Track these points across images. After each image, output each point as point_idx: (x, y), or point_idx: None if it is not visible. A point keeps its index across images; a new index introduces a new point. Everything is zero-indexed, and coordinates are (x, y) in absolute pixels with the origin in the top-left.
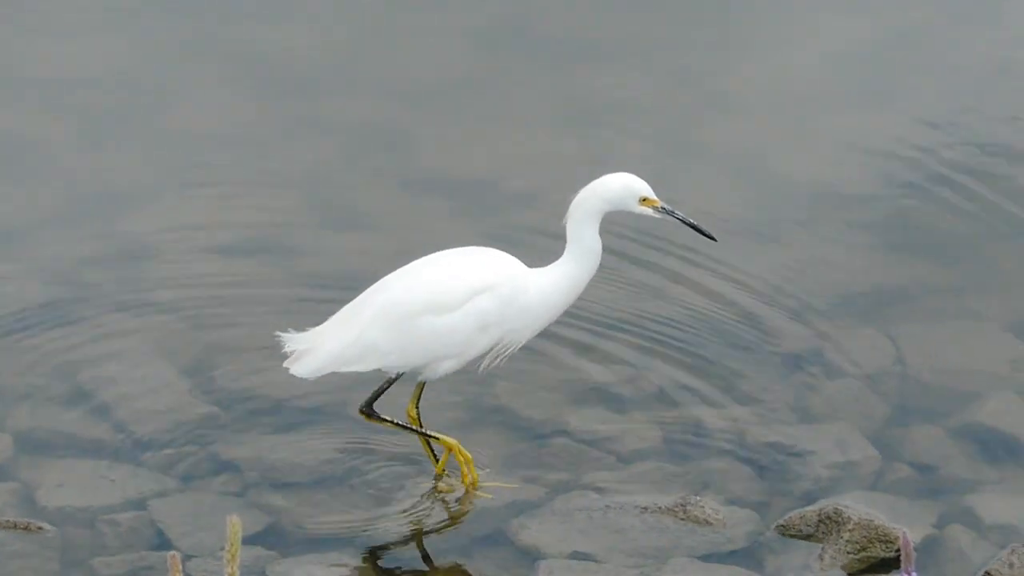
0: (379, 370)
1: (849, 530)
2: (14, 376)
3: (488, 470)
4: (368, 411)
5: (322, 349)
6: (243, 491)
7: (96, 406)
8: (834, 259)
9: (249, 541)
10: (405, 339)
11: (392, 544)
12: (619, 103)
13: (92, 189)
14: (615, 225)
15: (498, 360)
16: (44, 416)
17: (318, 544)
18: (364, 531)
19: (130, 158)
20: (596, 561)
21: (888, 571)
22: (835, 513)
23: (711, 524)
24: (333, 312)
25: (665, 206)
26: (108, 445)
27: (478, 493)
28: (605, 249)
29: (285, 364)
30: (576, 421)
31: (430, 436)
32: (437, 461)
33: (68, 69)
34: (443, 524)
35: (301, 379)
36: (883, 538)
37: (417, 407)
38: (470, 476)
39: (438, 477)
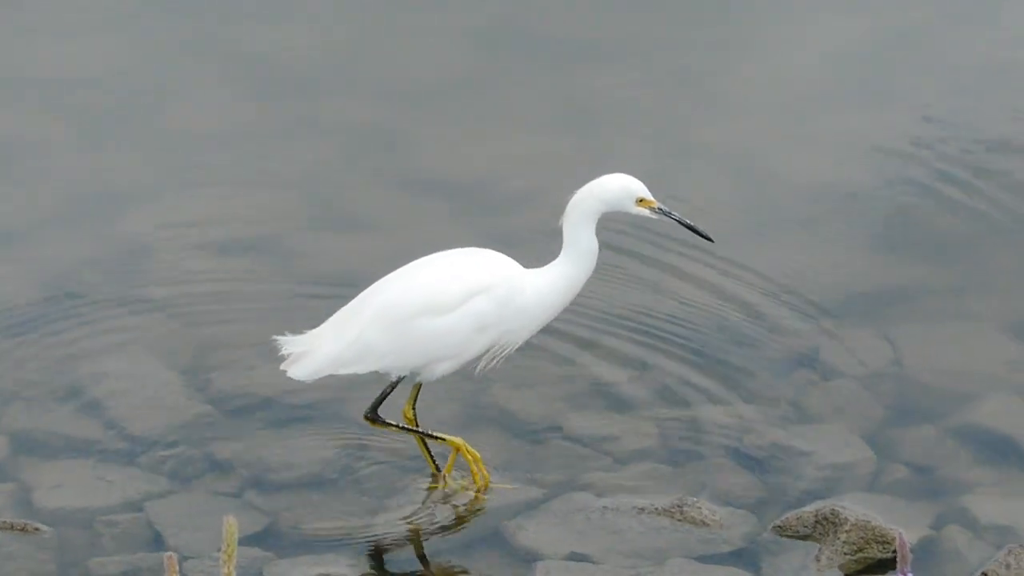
0: (376, 372)
1: (846, 531)
2: (11, 377)
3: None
4: (373, 417)
5: (319, 351)
6: (240, 492)
7: (94, 407)
8: (833, 259)
9: (245, 542)
10: (402, 341)
11: (389, 545)
12: (619, 103)
13: (91, 189)
14: (614, 222)
15: (495, 361)
16: (42, 417)
17: (315, 545)
18: (361, 532)
19: (129, 158)
20: (593, 562)
21: (885, 572)
22: (832, 514)
23: (708, 525)
24: (332, 312)
25: (662, 207)
26: (106, 446)
27: (489, 489)
28: (603, 246)
29: (282, 367)
30: (573, 421)
31: (436, 437)
32: (436, 466)
33: (68, 69)
34: (440, 525)
35: (298, 381)
36: (880, 539)
37: (414, 408)
38: (481, 475)
39: (446, 477)
